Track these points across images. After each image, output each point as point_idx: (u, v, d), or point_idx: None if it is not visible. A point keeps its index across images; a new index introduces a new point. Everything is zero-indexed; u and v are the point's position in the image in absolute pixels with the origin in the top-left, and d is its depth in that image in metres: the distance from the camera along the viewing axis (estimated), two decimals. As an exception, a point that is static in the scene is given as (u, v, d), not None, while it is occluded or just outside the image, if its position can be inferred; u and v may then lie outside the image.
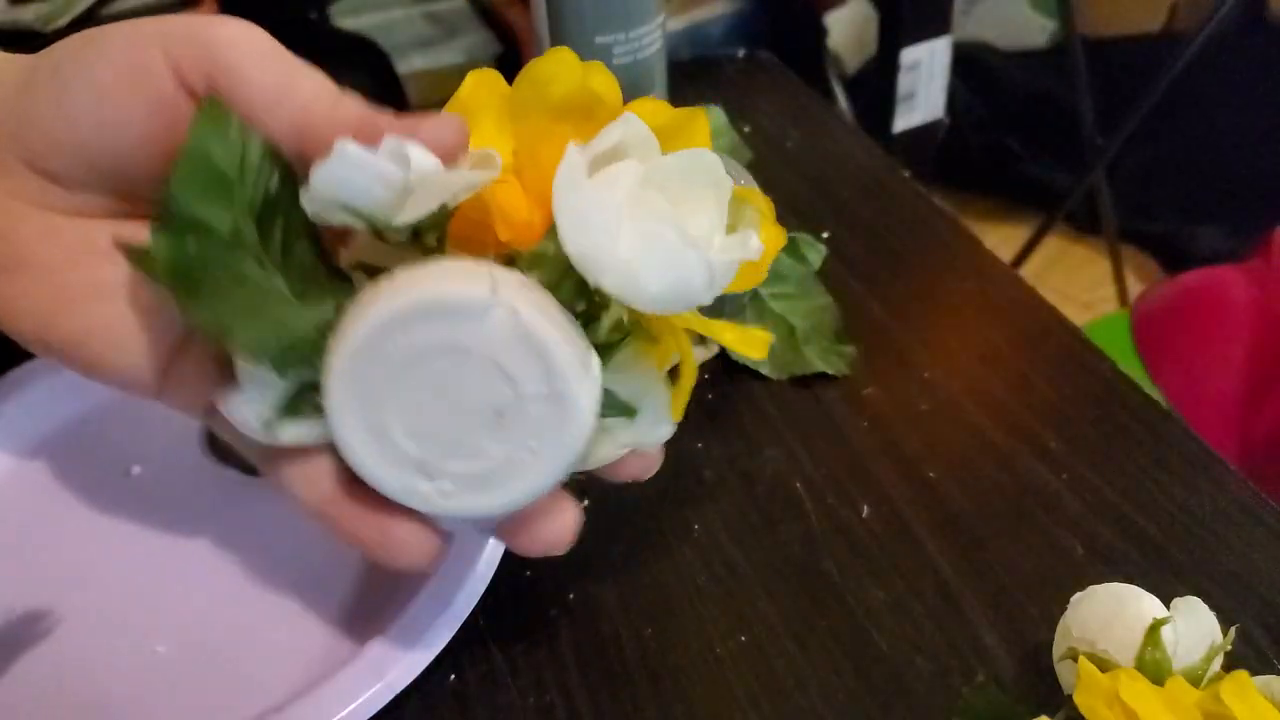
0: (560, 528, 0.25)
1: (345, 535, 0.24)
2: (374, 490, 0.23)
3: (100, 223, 0.24)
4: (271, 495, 0.32)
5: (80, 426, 0.37)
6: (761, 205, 0.26)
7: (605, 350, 0.24)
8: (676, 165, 0.23)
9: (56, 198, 0.23)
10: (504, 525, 0.25)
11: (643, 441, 0.25)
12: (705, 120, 0.25)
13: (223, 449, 0.34)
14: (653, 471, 0.26)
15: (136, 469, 0.36)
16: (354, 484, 0.23)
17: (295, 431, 0.23)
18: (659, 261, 0.21)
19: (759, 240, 0.23)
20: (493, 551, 0.30)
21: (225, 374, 0.23)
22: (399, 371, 0.21)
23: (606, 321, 0.24)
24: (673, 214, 0.22)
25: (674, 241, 0.21)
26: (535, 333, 0.21)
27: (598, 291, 0.22)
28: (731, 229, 0.23)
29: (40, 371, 0.37)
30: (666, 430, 0.25)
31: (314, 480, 0.24)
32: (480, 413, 0.22)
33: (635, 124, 0.22)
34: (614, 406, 0.24)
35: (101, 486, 0.35)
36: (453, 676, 0.30)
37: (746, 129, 0.55)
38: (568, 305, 0.22)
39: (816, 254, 0.44)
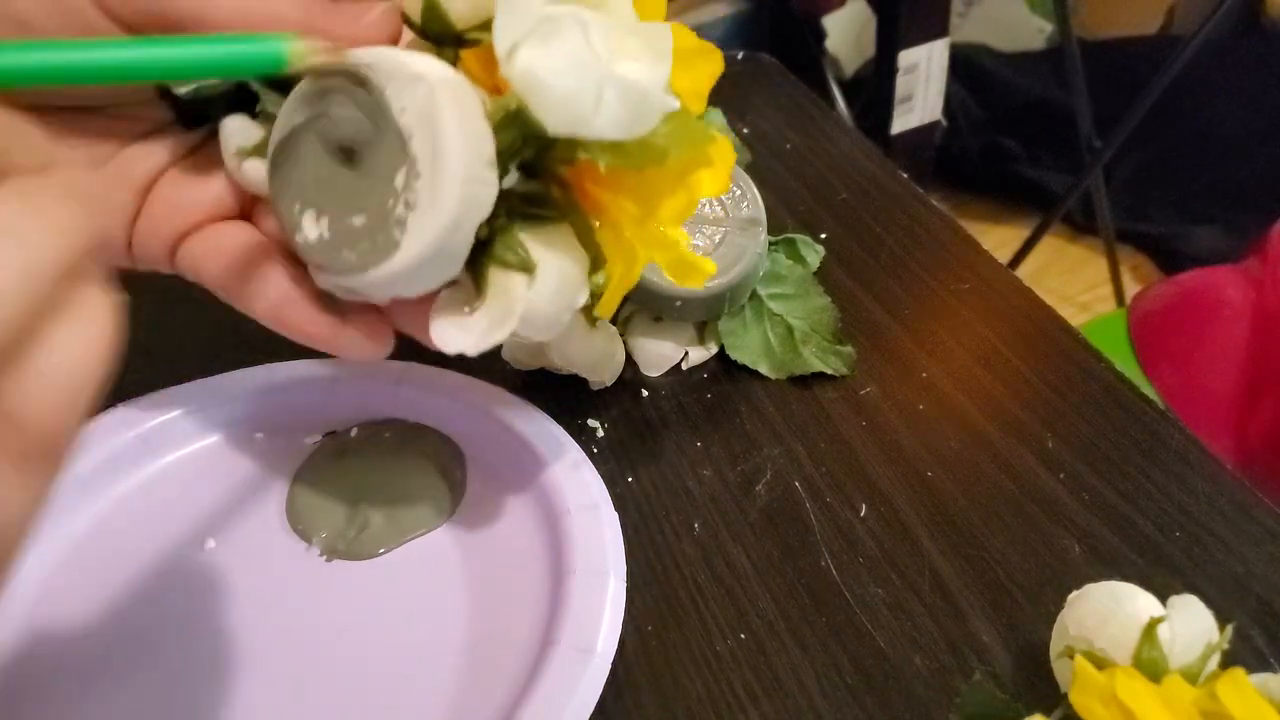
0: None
1: (300, 333, 0.26)
2: (322, 295, 0.26)
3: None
4: (351, 582, 0.32)
5: (155, 488, 0.36)
6: (723, 147, 0.27)
7: (534, 208, 0.25)
8: (630, 24, 0.23)
9: None
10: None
11: (540, 309, 0.26)
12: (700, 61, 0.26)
13: (303, 527, 0.34)
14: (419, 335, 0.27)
15: (211, 543, 0.34)
16: (304, 291, 0.26)
17: (254, 168, 0.26)
18: (562, 64, 0.22)
19: (672, 100, 0.23)
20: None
21: (188, 206, 0.26)
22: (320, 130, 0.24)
23: (546, 186, 0.25)
24: (597, 36, 0.22)
25: (580, 48, 0.22)
26: (439, 116, 0.22)
27: (541, 145, 0.24)
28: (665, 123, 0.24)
29: (115, 426, 0.35)
30: (565, 314, 0.26)
31: (269, 290, 0.26)
32: (381, 179, 0.24)
33: None
34: (515, 259, 0.25)
35: (175, 556, 0.33)
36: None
37: (745, 131, 0.55)
38: (508, 144, 0.24)
39: (815, 255, 0.44)
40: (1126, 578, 0.28)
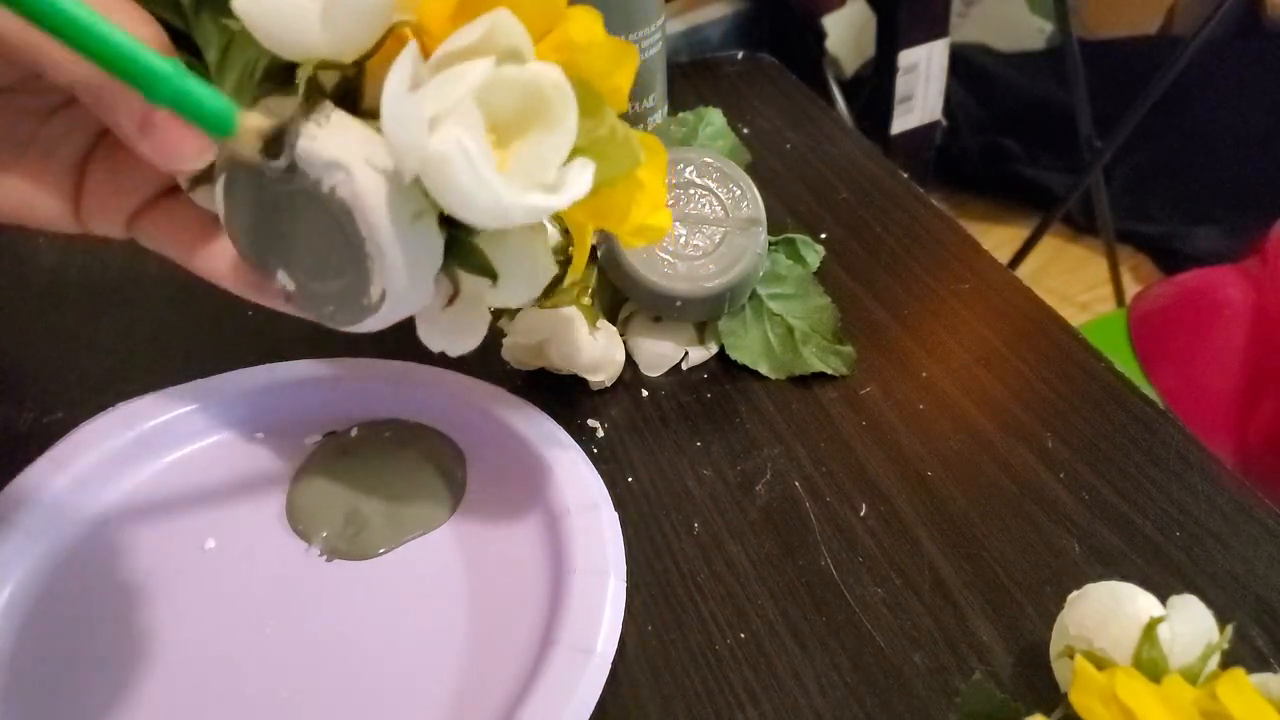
0: None
1: (261, 300, 0.27)
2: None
3: None
4: (351, 582, 0.32)
5: (155, 488, 0.35)
6: (651, 147, 0.26)
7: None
8: (520, 79, 0.23)
9: None
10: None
11: (509, 301, 0.27)
12: (617, 58, 0.25)
13: (303, 527, 0.34)
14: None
15: (211, 543, 0.34)
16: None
17: (202, 196, 0.27)
18: (451, 175, 0.22)
19: (586, 181, 0.23)
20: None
21: (131, 187, 0.26)
22: (262, 192, 0.24)
23: None
24: (480, 130, 0.22)
25: (460, 159, 0.21)
26: (364, 206, 0.22)
27: None
28: (586, 151, 0.24)
29: (115, 427, 0.35)
30: (540, 287, 0.27)
31: (225, 261, 0.27)
32: (324, 244, 0.24)
33: (505, 21, 0.23)
34: (480, 267, 0.26)
35: (175, 556, 0.33)
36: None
37: (745, 131, 0.55)
38: None
39: (815, 255, 0.44)
40: (1126, 578, 0.28)
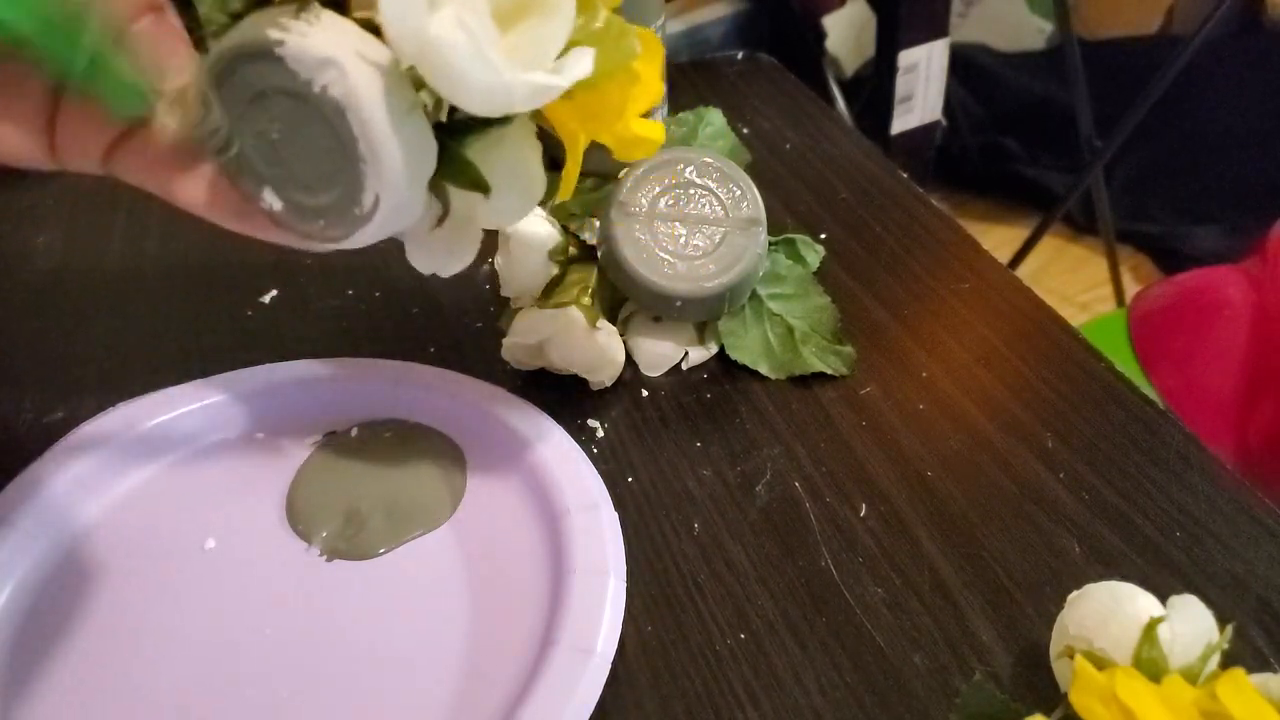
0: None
1: (234, 226, 0.27)
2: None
3: None
4: (351, 582, 0.32)
5: (155, 488, 0.35)
6: (648, 42, 0.26)
7: (471, 128, 0.25)
8: None
9: None
10: None
11: (500, 219, 0.27)
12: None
13: (303, 527, 0.34)
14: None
15: (211, 543, 0.34)
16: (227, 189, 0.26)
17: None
18: (451, 57, 0.21)
19: (587, 64, 0.23)
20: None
21: (105, 119, 0.25)
22: (252, 97, 0.24)
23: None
24: (484, 9, 0.22)
25: (462, 39, 0.21)
26: (358, 99, 0.22)
27: None
28: (580, 43, 0.24)
29: (115, 427, 0.35)
30: (531, 205, 0.27)
31: (200, 189, 0.26)
32: (315, 152, 0.24)
33: None
34: (468, 180, 0.25)
35: (175, 556, 0.33)
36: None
37: (745, 131, 0.55)
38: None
39: (815, 255, 0.44)
40: (1126, 578, 0.28)
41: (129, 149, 0.26)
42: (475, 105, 0.23)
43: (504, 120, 0.25)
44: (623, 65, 0.24)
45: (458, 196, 0.26)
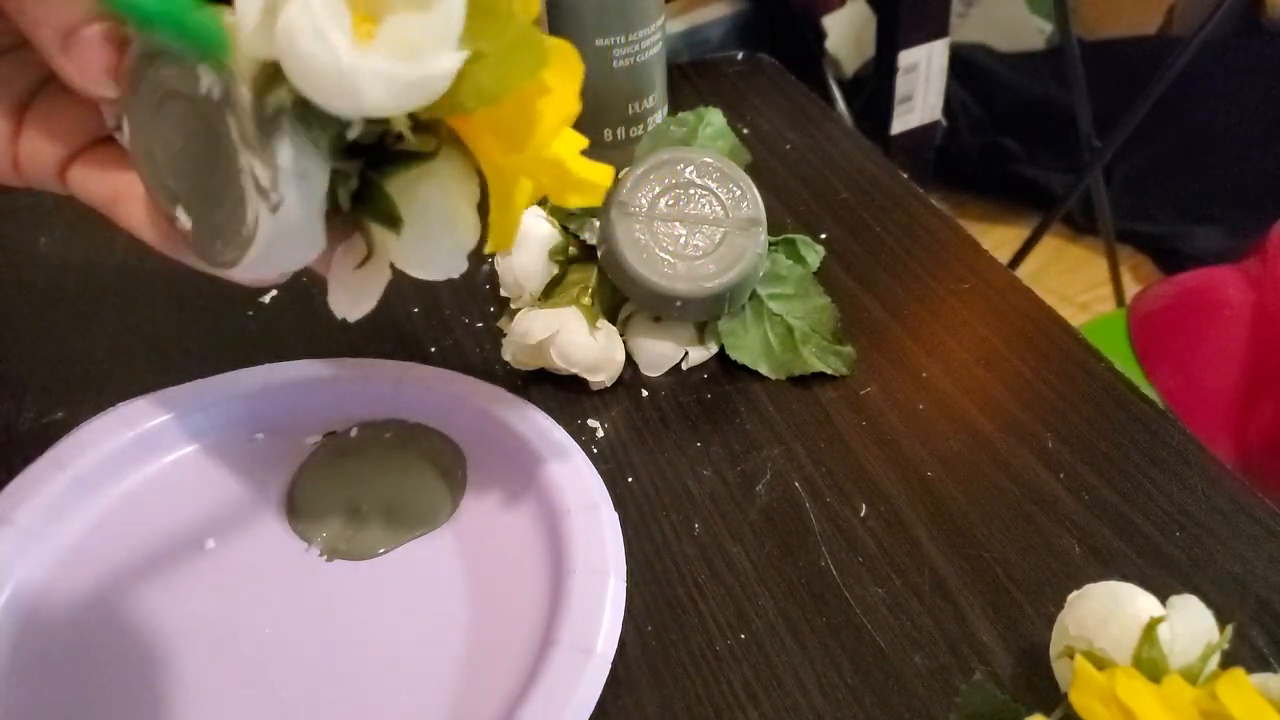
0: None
1: (165, 249, 0.26)
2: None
3: None
4: (351, 582, 0.32)
5: (155, 488, 0.35)
6: (566, 56, 0.23)
7: (398, 161, 0.24)
8: None
9: None
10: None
11: (422, 266, 0.25)
12: None
13: (303, 527, 0.34)
14: (265, 277, 0.26)
15: (211, 543, 0.33)
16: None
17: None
18: (297, 41, 0.20)
19: (448, 64, 0.21)
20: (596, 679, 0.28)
21: (64, 132, 0.25)
22: (158, 101, 0.23)
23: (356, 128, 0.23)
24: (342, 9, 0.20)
25: (305, 24, 0.20)
26: (237, 98, 0.21)
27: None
28: (482, 49, 0.22)
29: (115, 427, 0.35)
30: (456, 255, 0.25)
31: (138, 212, 0.25)
32: (205, 166, 0.23)
33: None
34: (385, 214, 0.24)
35: (175, 556, 0.33)
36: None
37: (745, 131, 0.55)
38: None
39: (815, 255, 0.44)
40: (1126, 578, 0.28)
41: (83, 164, 0.26)
42: (329, 99, 0.21)
43: (428, 155, 0.24)
44: (530, 75, 0.22)
45: (381, 238, 0.25)
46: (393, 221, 0.24)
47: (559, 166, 0.25)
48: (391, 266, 0.26)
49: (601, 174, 0.25)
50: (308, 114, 0.22)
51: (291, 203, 0.22)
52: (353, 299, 0.26)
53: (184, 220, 0.24)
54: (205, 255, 0.24)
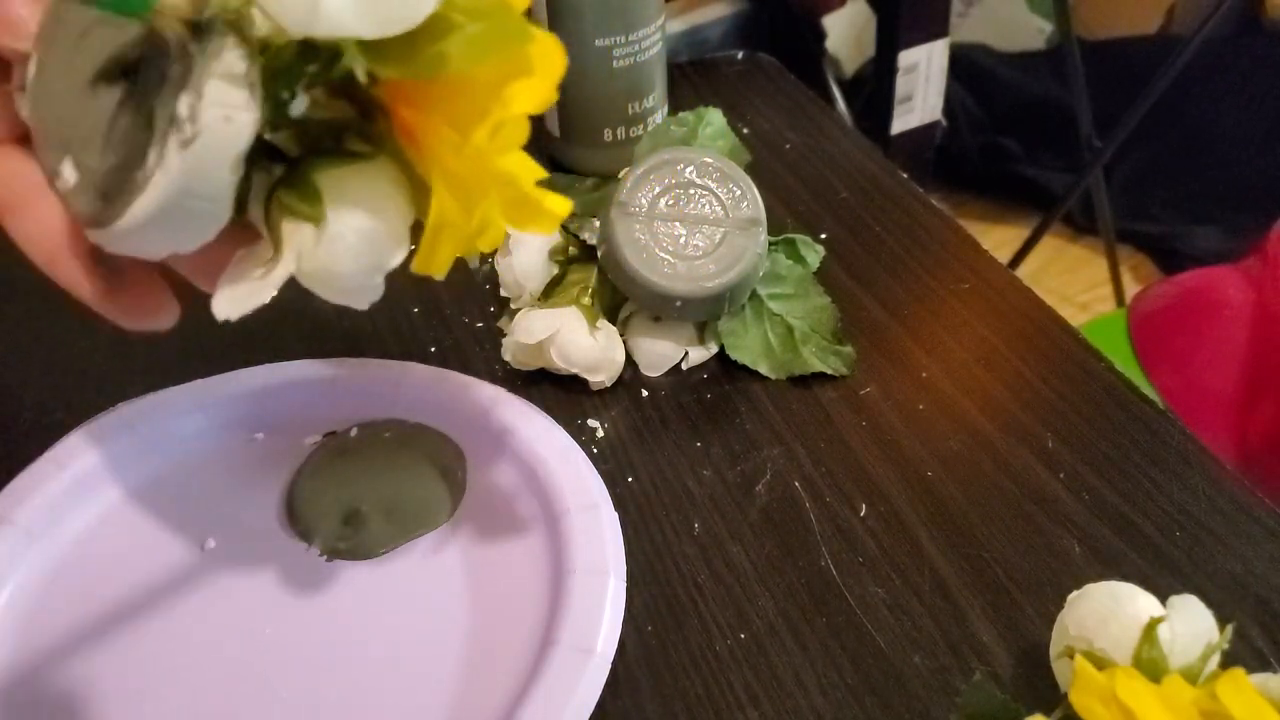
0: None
1: (69, 288, 0.24)
2: (102, 251, 0.23)
3: None
4: (351, 582, 0.32)
5: (155, 488, 0.35)
6: (549, 47, 0.22)
7: (345, 141, 0.22)
8: None
9: None
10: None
11: (336, 266, 0.22)
12: None
13: (304, 527, 0.34)
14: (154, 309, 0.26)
15: (211, 543, 0.34)
16: (78, 239, 0.23)
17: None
18: None
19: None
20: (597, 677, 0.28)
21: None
22: (74, 39, 0.21)
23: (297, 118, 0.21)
24: None
25: None
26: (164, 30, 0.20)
27: (331, 56, 0.20)
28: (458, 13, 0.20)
29: (115, 427, 0.35)
30: (374, 275, 0.23)
31: (41, 233, 0.24)
32: (122, 98, 0.21)
33: None
34: (302, 207, 0.22)
35: (175, 556, 0.33)
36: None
37: (745, 131, 0.55)
38: (286, 60, 0.20)
39: (814, 255, 0.44)
40: (1126, 578, 0.28)
41: None
42: (284, 12, 0.19)
43: (362, 154, 0.23)
44: (502, 46, 0.20)
45: (291, 234, 0.23)
46: (314, 215, 0.22)
47: (512, 186, 0.23)
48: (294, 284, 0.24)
49: (559, 204, 0.23)
50: (243, 22, 0.20)
51: (206, 143, 0.20)
52: (241, 297, 0.24)
53: (68, 176, 0.22)
54: (84, 211, 0.22)
